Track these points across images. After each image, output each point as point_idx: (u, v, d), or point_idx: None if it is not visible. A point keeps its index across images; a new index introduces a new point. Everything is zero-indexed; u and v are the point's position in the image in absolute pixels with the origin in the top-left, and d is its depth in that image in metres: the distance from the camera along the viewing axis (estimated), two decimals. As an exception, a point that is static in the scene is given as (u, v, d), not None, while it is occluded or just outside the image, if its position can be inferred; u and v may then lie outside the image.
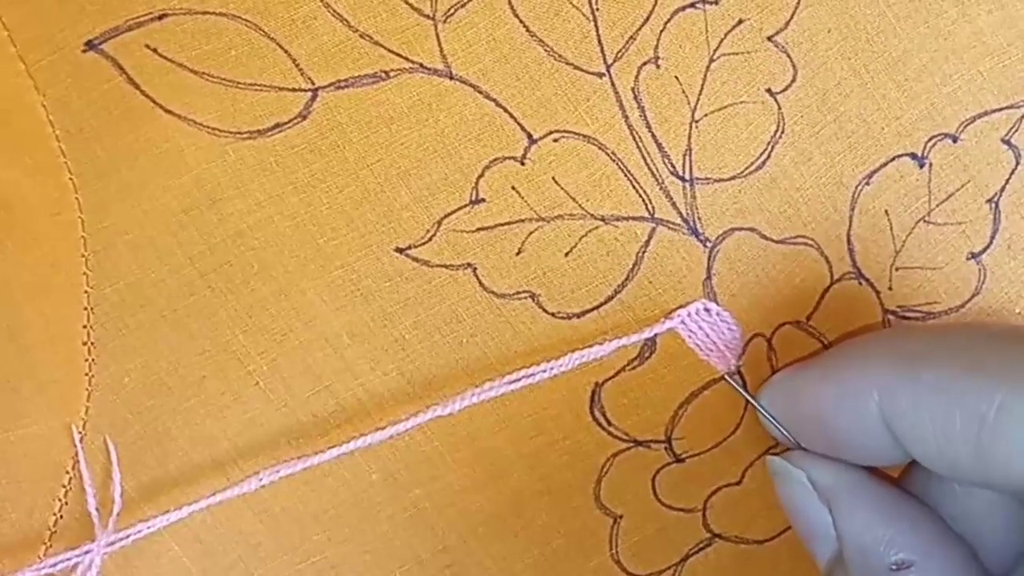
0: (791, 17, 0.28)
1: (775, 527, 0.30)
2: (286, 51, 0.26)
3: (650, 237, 0.27)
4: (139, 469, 0.27)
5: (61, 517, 0.26)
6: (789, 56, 0.28)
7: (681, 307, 0.28)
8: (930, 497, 0.25)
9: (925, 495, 0.25)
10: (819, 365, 0.26)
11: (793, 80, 0.28)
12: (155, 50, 0.26)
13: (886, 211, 0.29)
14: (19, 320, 0.26)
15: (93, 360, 0.26)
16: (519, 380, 0.27)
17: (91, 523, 0.26)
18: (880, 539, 0.24)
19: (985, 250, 0.29)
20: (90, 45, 0.26)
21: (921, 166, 0.29)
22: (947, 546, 0.23)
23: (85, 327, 0.26)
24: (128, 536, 0.25)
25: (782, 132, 0.28)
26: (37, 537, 0.26)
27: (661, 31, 0.27)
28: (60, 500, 0.26)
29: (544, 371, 0.27)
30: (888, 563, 0.23)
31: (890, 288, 0.29)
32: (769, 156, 0.28)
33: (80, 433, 0.26)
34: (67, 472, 0.26)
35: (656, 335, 0.28)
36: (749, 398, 0.28)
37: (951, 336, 0.24)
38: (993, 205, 0.29)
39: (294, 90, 0.26)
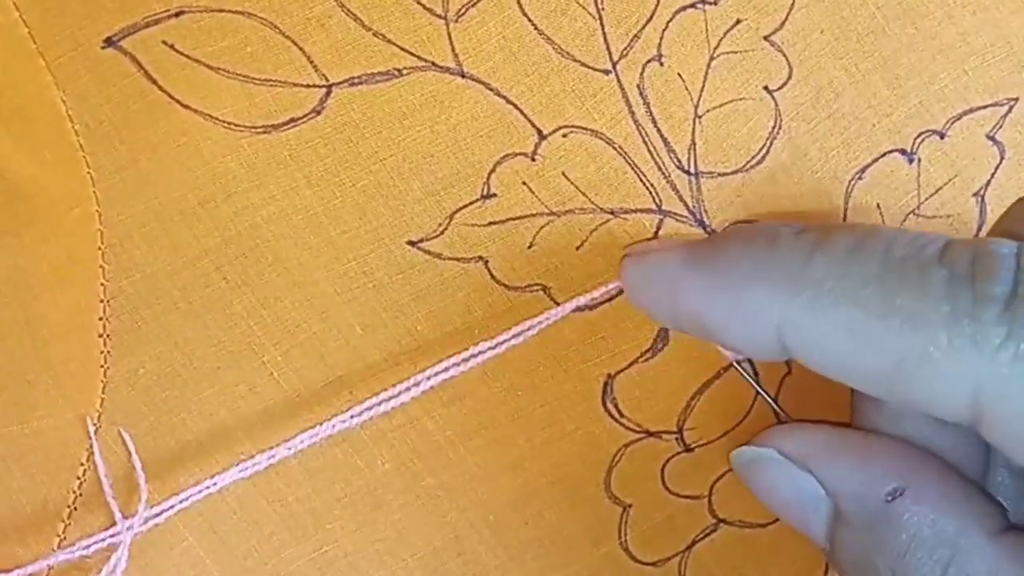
0: (786, 18, 0.29)
1: (777, 512, 0.30)
2: (301, 48, 0.27)
3: (658, 228, 0.28)
4: (153, 460, 0.27)
5: (75, 509, 0.26)
6: (785, 55, 0.29)
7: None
8: (887, 428, 0.25)
9: (881, 428, 0.25)
10: (706, 268, 0.24)
11: (789, 78, 0.29)
12: (172, 46, 0.26)
13: (878, 205, 0.30)
14: (35, 312, 0.26)
15: (108, 352, 0.27)
16: (510, 340, 0.27)
17: (106, 514, 0.26)
18: (868, 478, 0.24)
19: (973, 242, 0.30)
20: (109, 42, 0.26)
21: (911, 162, 0.30)
22: (928, 465, 0.24)
23: (101, 319, 0.26)
24: (160, 513, 0.25)
25: (779, 128, 0.29)
26: (52, 528, 0.26)
27: (664, 30, 0.28)
28: (75, 492, 0.26)
29: (530, 328, 0.27)
30: (883, 497, 0.23)
31: (884, 279, 0.30)
32: (768, 151, 0.29)
33: (95, 425, 0.26)
34: (82, 464, 0.26)
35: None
36: (757, 387, 0.29)
37: (860, 265, 0.22)
38: (979, 199, 0.30)
39: (308, 86, 0.27)
